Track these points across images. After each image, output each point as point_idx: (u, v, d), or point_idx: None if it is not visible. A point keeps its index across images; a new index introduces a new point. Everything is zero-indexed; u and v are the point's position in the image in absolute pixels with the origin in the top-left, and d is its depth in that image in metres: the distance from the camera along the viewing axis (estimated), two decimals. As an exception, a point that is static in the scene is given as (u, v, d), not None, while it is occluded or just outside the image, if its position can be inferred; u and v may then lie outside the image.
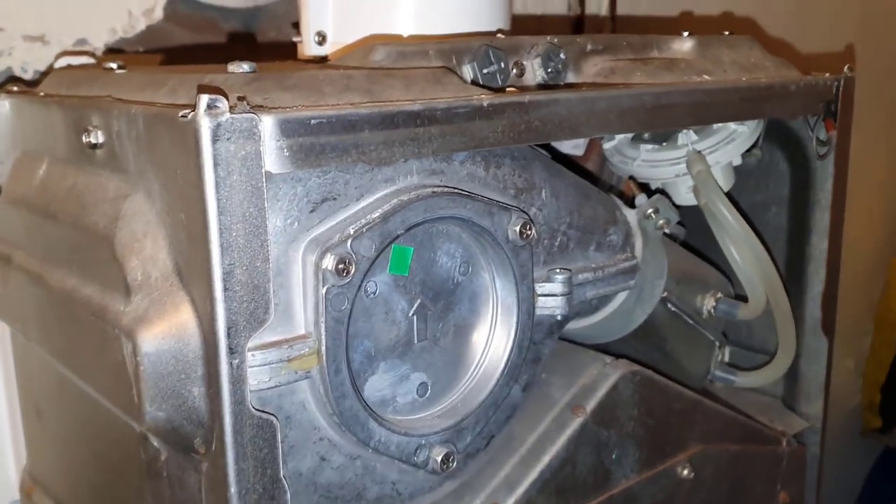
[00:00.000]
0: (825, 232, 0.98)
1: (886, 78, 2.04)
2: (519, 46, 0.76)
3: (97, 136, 0.60)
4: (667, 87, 0.73)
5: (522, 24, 1.33)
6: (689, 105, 0.75)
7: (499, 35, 0.76)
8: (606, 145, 0.96)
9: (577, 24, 1.41)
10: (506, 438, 0.73)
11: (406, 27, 0.81)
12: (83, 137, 0.61)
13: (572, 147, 1.05)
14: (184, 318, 0.53)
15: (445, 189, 0.61)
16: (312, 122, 0.52)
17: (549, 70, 0.77)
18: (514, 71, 0.76)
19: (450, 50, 0.71)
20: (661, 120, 0.73)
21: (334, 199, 0.57)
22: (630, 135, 0.93)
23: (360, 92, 0.59)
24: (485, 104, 0.61)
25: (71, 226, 0.63)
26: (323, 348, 0.55)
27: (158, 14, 1.07)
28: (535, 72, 0.77)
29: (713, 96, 0.77)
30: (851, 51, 1.54)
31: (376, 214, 0.57)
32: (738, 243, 0.86)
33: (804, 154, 0.98)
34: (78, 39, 1.00)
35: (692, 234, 0.99)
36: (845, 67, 0.93)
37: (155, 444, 0.58)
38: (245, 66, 0.58)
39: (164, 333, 0.53)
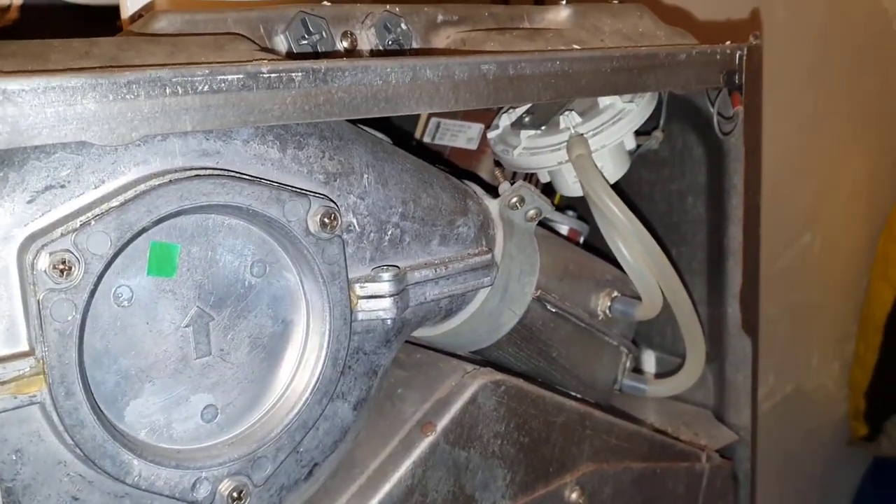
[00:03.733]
0: (741, 220, 0.88)
1: (859, 73, 1.95)
2: (349, 16, 0.67)
3: None
4: (515, 56, 0.64)
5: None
6: (545, 76, 0.65)
7: (325, 3, 0.67)
8: (491, 134, 0.86)
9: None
10: (348, 465, 0.64)
11: None
12: None
13: (466, 141, 0.96)
14: None
15: (213, 172, 0.51)
16: (10, 88, 0.43)
17: (389, 42, 0.68)
18: (344, 43, 0.67)
19: (256, 18, 0.62)
20: (508, 94, 0.63)
21: (62, 186, 0.47)
22: (510, 121, 0.84)
23: (101, 59, 0.50)
24: (264, 71, 0.51)
25: None
26: (47, 368, 0.46)
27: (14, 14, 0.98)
28: (370, 43, 0.68)
29: (577, 66, 0.67)
30: (757, 16, 1.44)
31: (114, 203, 0.47)
32: (624, 235, 0.76)
33: (716, 137, 0.89)
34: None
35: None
36: (751, 36, 0.84)
37: None
38: (-35, 36, 0.49)
39: None
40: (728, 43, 0.81)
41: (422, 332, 0.71)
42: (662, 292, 0.78)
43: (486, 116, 0.92)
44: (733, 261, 0.90)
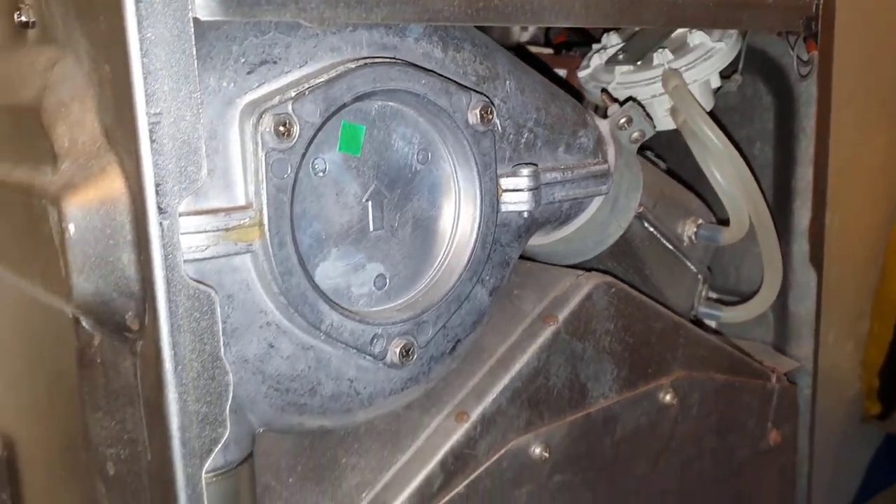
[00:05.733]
0: (810, 161, 0.95)
1: (878, 56, 2.02)
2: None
3: (28, 14, 0.57)
4: (636, -18, 0.70)
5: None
6: (661, 4, 0.72)
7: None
8: (581, 73, 0.93)
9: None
10: (476, 351, 0.70)
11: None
12: (15, 17, 0.58)
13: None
14: (111, 179, 0.49)
15: (398, 60, 0.57)
16: (245, -34, 0.49)
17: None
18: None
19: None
20: (629, 16, 0.70)
21: (274, 62, 0.53)
22: (604, 59, 0.90)
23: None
24: (439, -28, 0.57)
25: (4, 110, 0.60)
26: (265, 219, 0.52)
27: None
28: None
29: (686, -3, 0.74)
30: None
31: (320, 79, 0.54)
32: (719, 160, 0.82)
33: (787, 84, 0.95)
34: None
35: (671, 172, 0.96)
36: (826, -15, 0.90)
37: (87, 327, 0.55)
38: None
39: (91, 197, 0.49)
40: (806, -9, 0.88)
41: (536, 241, 0.77)
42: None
43: (568, 63, 0.98)
44: (800, 200, 0.97)
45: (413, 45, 0.60)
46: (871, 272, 2.33)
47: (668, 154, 0.99)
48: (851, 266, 2.28)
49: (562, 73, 1.00)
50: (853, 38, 1.88)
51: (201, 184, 0.49)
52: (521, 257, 0.80)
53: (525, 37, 1.07)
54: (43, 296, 0.57)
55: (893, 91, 2.16)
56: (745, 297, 0.98)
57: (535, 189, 0.66)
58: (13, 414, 0.72)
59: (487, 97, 0.62)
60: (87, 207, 0.49)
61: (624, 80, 0.87)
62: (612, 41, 0.92)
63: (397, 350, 0.59)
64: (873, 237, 2.29)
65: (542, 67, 0.85)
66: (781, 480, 0.97)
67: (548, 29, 1.07)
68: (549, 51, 1.06)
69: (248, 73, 0.52)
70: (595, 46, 0.94)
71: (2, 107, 0.60)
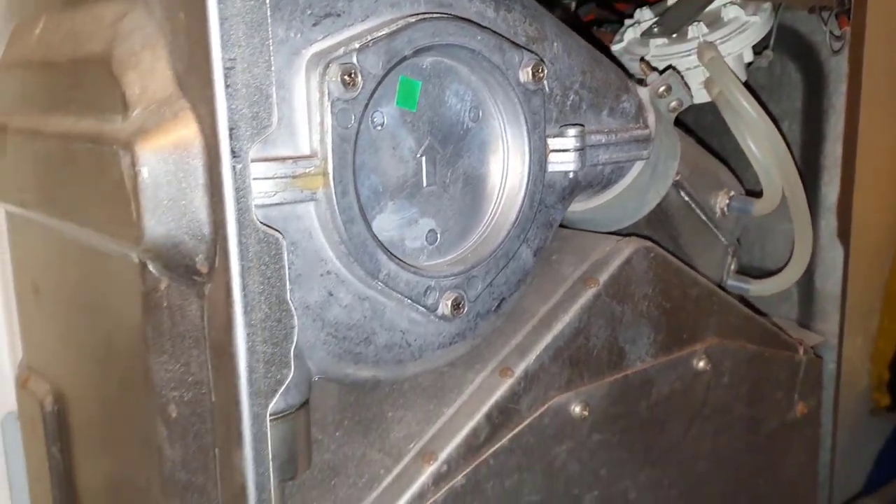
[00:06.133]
0: (839, 137, 0.96)
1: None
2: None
3: (95, -32, 0.59)
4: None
5: None
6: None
7: None
8: (615, 47, 0.94)
9: None
10: (517, 311, 0.71)
11: None
12: (80, -28, 0.59)
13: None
14: (184, 124, 0.51)
15: (454, 16, 0.59)
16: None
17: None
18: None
19: None
20: (672, -18, 0.71)
21: (338, 15, 0.55)
22: (639, 33, 0.92)
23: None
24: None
25: (68, 64, 0.61)
26: (329, 168, 0.53)
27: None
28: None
29: (725, -34, 0.75)
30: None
31: (382, 32, 0.55)
32: (754, 132, 0.83)
33: (817, 61, 0.96)
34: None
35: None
36: (858, -39, 0.92)
37: (154, 272, 0.56)
38: None
39: (164, 141, 0.51)
40: (840, -34, 0.89)
41: (577, 206, 0.78)
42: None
43: (599, 40, 1.00)
44: (828, 176, 0.98)
45: (467, 3, 0.61)
46: (882, 269, 2.33)
47: (695, 131, 1.00)
48: (862, 260, 2.29)
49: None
50: (885, 14, 1.90)
51: (272, 129, 0.50)
52: (559, 226, 0.82)
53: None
54: (108, 243, 0.58)
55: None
56: (769, 274, 1.00)
57: (581, 150, 0.67)
58: (64, 368, 0.73)
59: (539, 56, 0.63)
60: (160, 151, 0.51)
61: (658, 52, 0.89)
62: (646, 16, 0.94)
63: (448, 303, 0.61)
64: (886, 234, 2.30)
65: (586, 34, 0.86)
66: (806, 453, 0.99)
67: (577, 7, 1.08)
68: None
69: (314, 24, 0.54)
70: (628, 22, 0.96)
71: (66, 62, 0.61)
